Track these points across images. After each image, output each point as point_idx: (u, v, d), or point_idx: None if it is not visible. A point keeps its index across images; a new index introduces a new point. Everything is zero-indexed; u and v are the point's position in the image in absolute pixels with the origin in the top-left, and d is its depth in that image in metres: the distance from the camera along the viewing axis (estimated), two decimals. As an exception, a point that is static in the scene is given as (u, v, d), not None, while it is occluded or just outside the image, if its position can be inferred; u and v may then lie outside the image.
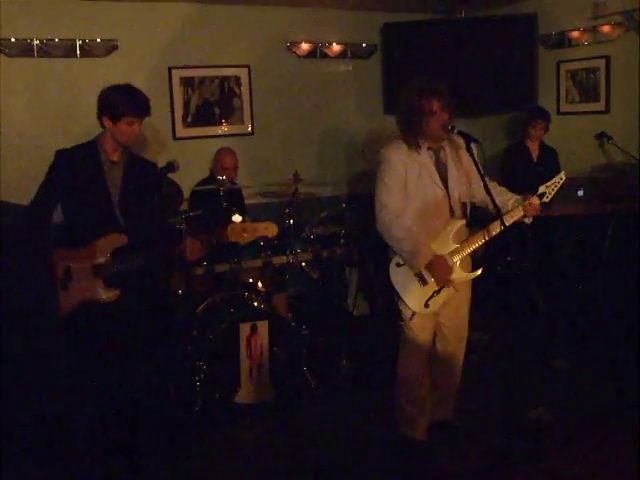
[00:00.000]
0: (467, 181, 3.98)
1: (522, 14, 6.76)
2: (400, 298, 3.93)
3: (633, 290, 5.26)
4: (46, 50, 5.63)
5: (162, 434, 4.21)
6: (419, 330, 3.97)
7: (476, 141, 3.77)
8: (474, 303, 4.17)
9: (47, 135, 5.66)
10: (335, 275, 5.82)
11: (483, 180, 3.69)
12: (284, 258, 5.18)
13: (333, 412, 4.62)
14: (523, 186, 5.55)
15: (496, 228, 3.82)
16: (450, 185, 3.90)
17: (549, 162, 6.08)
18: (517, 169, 6.02)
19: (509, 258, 5.93)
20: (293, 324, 4.87)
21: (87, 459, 3.68)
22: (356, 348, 5.38)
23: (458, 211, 3.94)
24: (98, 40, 5.81)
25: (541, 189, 3.92)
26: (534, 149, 6.13)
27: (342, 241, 5.53)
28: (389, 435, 4.16)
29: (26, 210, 3.78)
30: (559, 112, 6.63)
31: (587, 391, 4.69)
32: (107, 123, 3.66)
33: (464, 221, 3.93)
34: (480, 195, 3.98)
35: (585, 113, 6.45)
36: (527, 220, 3.98)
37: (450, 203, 3.89)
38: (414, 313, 3.91)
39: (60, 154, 3.68)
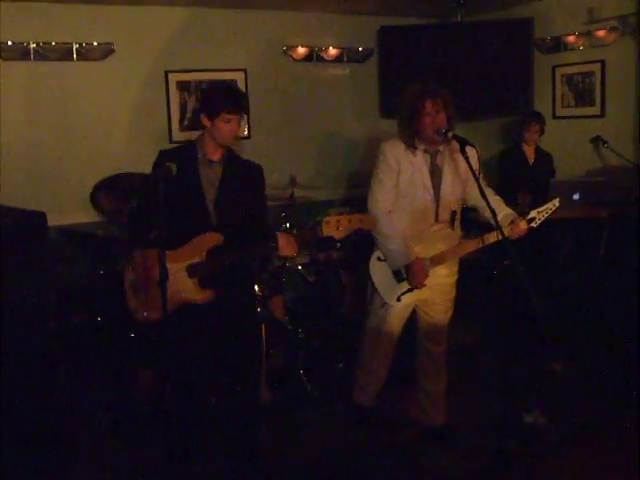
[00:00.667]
0: (463, 186, 4.04)
1: (518, 19, 6.79)
2: (375, 289, 4.15)
3: (631, 294, 5.27)
4: (43, 54, 5.61)
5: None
6: (384, 319, 4.19)
7: (471, 145, 3.78)
8: (470, 307, 4.21)
9: (44, 138, 5.69)
10: (331, 278, 5.81)
11: (478, 184, 3.71)
12: (280, 262, 5.20)
13: (329, 415, 4.63)
14: (518, 190, 5.61)
15: (490, 238, 3.87)
16: (442, 191, 3.96)
17: (545, 166, 6.09)
18: (513, 173, 6.03)
19: (506, 262, 5.92)
20: (290, 327, 4.88)
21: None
22: (352, 351, 5.35)
23: (445, 217, 4.02)
24: (95, 44, 5.80)
25: (532, 214, 3.94)
26: (530, 153, 6.14)
27: (338, 245, 5.55)
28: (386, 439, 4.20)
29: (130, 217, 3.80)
30: (555, 116, 6.65)
31: (584, 394, 4.74)
32: (205, 121, 3.55)
33: (451, 227, 4.05)
34: (474, 199, 4.03)
35: (580, 117, 6.47)
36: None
37: (437, 209, 3.97)
38: (385, 304, 4.12)
39: (162, 153, 3.61)
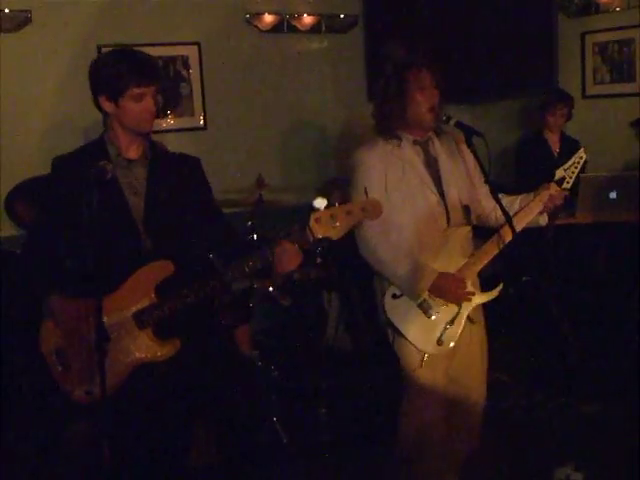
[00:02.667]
0: (468, 179, 3.96)
1: (537, -26, 6.81)
2: (401, 338, 3.87)
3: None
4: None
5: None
6: (431, 377, 3.89)
7: (479, 134, 3.73)
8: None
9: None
10: (310, 302, 5.77)
11: (489, 185, 3.70)
12: (246, 282, 5.13)
13: (310, 475, 4.60)
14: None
15: (509, 233, 3.79)
16: (445, 186, 3.87)
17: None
18: (534, 166, 6.03)
19: (525, 278, 5.92)
20: (259, 364, 4.86)
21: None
22: (337, 394, 5.33)
23: (458, 218, 3.89)
24: (6, 11, 5.72)
25: (558, 173, 3.93)
26: (554, 141, 6.19)
27: (318, 260, 5.49)
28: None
29: (25, 254, 3.52)
30: (585, 96, 6.70)
31: (627, 443, 4.64)
32: (107, 106, 3.26)
33: (469, 228, 3.92)
34: (485, 203, 3.97)
35: (617, 96, 6.52)
36: (542, 221, 3.97)
37: (447, 209, 3.85)
38: (424, 357, 3.83)
39: (58, 164, 3.36)
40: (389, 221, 3.73)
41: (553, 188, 3.86)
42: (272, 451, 4.72)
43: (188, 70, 6.46)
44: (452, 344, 3.82)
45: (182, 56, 6.42)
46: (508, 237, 3.80)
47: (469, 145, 3.69)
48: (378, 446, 4.31)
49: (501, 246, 3.84)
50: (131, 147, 3.35)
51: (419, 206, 3.82)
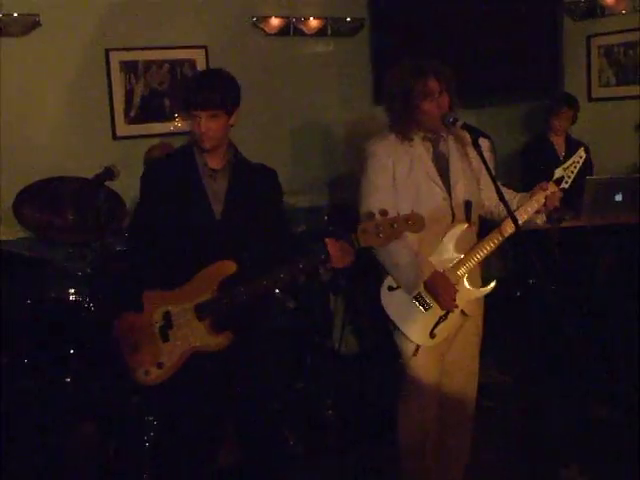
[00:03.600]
0: (475, 181, 4.02)
1: (543, -24, 6.79)
2: (398, 329, 3.94)
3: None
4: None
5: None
6: (424, 368, 3.98)
7: (485, 136, 3.82)
8: (488, 337, 4.23)
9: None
10: (316, 305, 5.83)
11: (495, 183, 3.72)
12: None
13: (317, 476, 4.65)
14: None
15: (509, 228, 3.87)
16: (452, 182, 3.92)
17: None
18: (540, 170, 6.04)
19: (531, 281, 5.95)
20: None
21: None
22: (344, 395, 5.40)
23: (461, 215, 3.94)
24: (15, 15, 5.75)
25: (557, 172, 4.00)
26: (559, 144, 6.20)
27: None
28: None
29: (130, 236, 3.89)
30: (590, 98, 6.70)
31: (633, 446, 4.64)
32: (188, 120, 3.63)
33: (467, 224, 3.94)
34: (489, 201, 4.05)
35: (623, 99, 6.51)
36: (539, 221, 4.07)
37: (451, 205, 3.90)
38: (418, 347, 3.91)
39: (151, 164, 3.68)
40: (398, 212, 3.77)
41: (551, 187, 3.92)
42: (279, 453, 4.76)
43: (195, 74, 6.51)
44: (444, 337, 3.92)
45: (189, 59, 6.43)
46: (507, 232, 3.87)
47: (475, 146, 3.71)
48: (385, 447, 4.35)
49: (499, 241, 3.91)
50: (214, 158, 3.63)
51: (425, 201, 3.86)
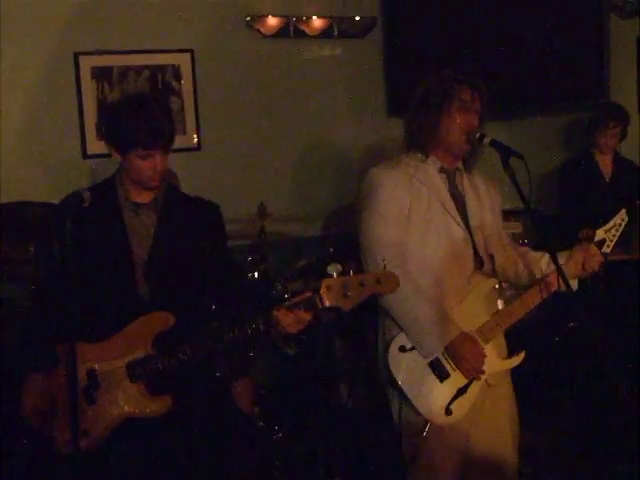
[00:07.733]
0: (494, 228, 4.04)
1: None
2: (407, 400, 3.83)
3: None
4: None
5: None
6: (437, 451, 3.86)
7: (518, 155, 3.72)
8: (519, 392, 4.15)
9: None
10: (320, 351, 5.74)
11: (546, 244, 3.68)
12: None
13: None
14: (592, 217, 5.56)
15: (538, 295, 3.91)
16: (472, 223, 3.90)
17: (628, 181, 6.06)
18: (582, 193, 6.01)
19: (572, 324, 5.88)
20: (261, 424, 4.90)
21: None
22: (353, 459, 5.34)
23: (487, 263, 3.93)
24: (-31, 14, 5.81)
25: (599, 234, 4.01)
26: (605, 164, 6.19)
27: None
28: None
29: (33, 296, 3.79)
30: (642, 110, 6.66)
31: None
32: (114, 154, 3.53)
33: (496, 281, 3.92)
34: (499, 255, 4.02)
35: (680, 111, 6.50)
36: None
37: (475, 248, 3.89)
38: (428, 424, 3.80)
39: (65, 200, 3.51)
40: (409, 255, 3.80)
41: (593, 249, 3.91)
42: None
43: (179, 81, 6.49)
44: (461, 416, 3.80)
45: (172, 65, 6.45)
46: (538, 299, 3.89)
47: (505, 167, 3.64)
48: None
49: (531, 306, 3.91)
50: (142, 192, 3.57)
51: (444, 240, 3.84)
